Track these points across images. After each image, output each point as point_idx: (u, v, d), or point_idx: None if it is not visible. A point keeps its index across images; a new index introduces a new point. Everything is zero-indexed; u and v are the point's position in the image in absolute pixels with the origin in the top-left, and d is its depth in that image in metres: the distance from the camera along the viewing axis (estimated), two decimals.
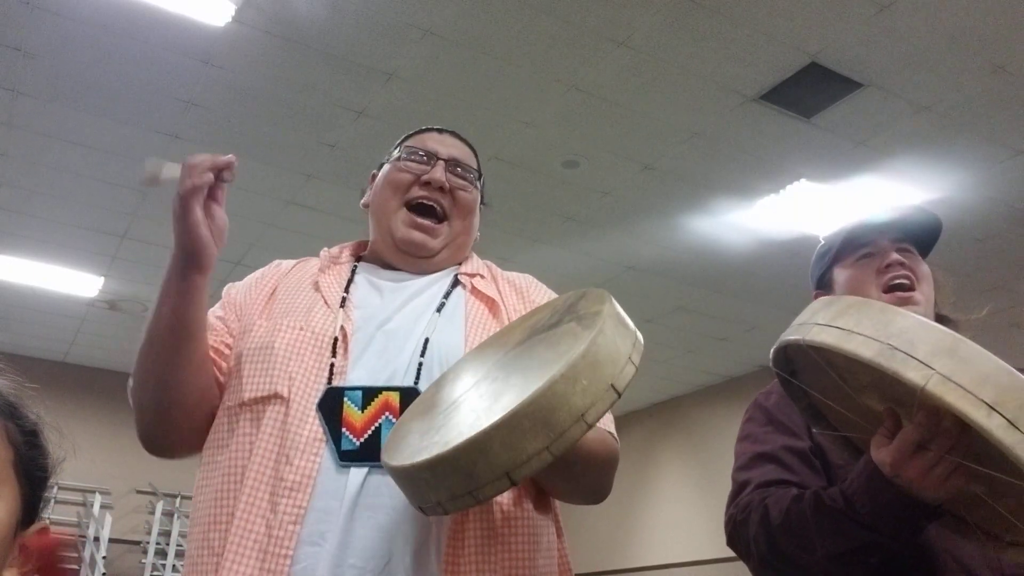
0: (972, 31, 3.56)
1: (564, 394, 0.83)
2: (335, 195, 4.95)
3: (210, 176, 1.05)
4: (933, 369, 0.85)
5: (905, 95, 3.98)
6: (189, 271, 1.08)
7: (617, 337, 0.90)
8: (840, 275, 1.42)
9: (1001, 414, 0.82)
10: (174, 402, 1.13)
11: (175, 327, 1.09)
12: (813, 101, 4.05)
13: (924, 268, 1.39)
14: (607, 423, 1.16)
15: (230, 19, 3.62)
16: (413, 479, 0.89)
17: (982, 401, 0.83)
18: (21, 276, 6.18)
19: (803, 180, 4.69)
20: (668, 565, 7.89)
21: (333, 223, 5.22)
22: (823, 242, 1.49)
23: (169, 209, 1.07)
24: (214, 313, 1.25)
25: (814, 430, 1.19)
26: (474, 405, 0.91)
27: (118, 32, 3.72)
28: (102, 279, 6.20)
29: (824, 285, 1.46)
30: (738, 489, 1.28)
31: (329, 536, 1.01)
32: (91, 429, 7.69)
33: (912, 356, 0.86)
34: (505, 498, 1.07)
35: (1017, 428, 0.82)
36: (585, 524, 8.28)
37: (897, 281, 1.35)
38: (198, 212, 1.05)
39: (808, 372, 1.05)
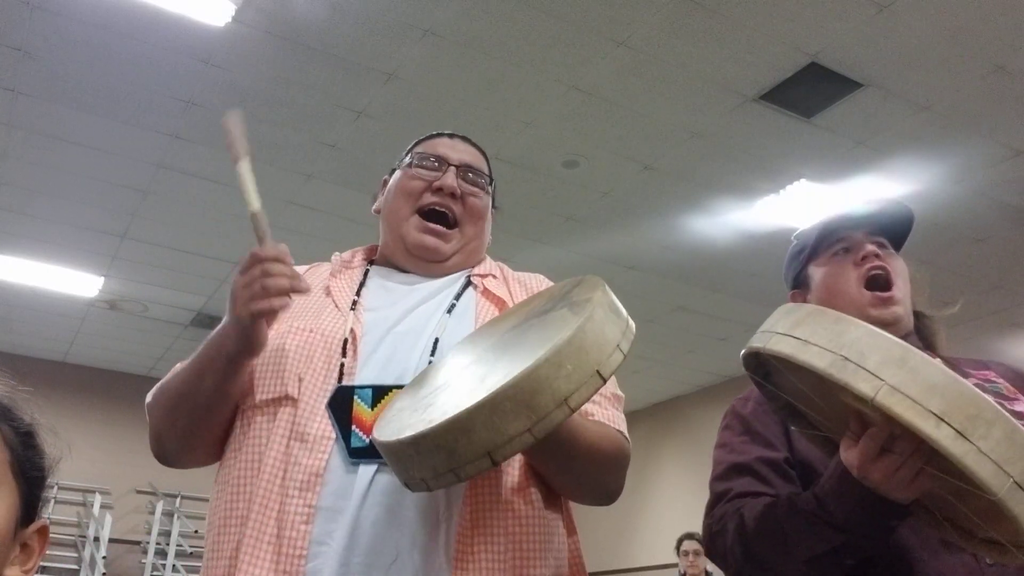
0: (972, 31, 3.56)
1: (548, 378, 0.84)
2: (335, 195, 4.95)
3: (287, 301, 1.07)
4: (883, 380, 0.85)
5: (905, 95, 3.98)
6: (241, 357, 1.10)
7: (606, 324, 0.91)
8: (816, 272, 1.41)
9: (949, 424, 0.83)
10: (201, 441, 1.17)
11: (216, 399, 1.12)
12: (813, 101, 4.05)
13: (900, 264, 1.38)
14: (618, 422, 1.16)
15: (230, 19, 3.62)
16: (398, 455, 0.91)
17: (930, 412, 0.83)
18: (21, 276, 6.17)
19: (803, 180, 4.69)
20: (668, 565, 7.87)
21: (333, 223, 5.21)
22: (795, 241, 1.48)
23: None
24: None
25: (792, 428, 1.19)
26: (461, 385, 0.92)
27: (118, 32, 3.72)
28: (102, 279, 6.20)
29: (800, 284, 1.44)
30: (714, 500, 1.28)
31: (336, 535, 1.01)
32: (91, 429, 7.70)
33: (862, 367, 0.86)
34: (515, 496, 1.07)
35: (966, 438, 0.82)
36: (585, 524, 8.26)
37: (874, 272, 1.34)
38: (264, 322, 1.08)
39: (783, 372, 1.05)
